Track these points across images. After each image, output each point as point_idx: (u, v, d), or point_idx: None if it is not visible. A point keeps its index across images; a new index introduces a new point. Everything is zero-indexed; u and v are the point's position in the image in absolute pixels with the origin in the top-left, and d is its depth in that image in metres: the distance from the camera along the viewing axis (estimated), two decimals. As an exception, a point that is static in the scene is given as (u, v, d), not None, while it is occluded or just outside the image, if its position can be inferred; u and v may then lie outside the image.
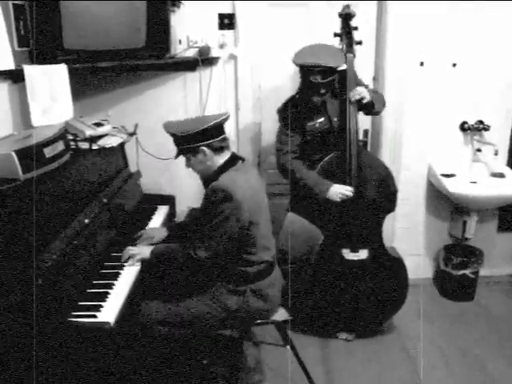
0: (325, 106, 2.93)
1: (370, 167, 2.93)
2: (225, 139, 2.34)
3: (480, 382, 2.78)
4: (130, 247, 2.42)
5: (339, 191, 2.85)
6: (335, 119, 2.93)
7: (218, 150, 2.30)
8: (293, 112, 2.94)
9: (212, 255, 2.23)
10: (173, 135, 2.30)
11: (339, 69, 2.85)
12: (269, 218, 2.45)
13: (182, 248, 2.31)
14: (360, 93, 2.82)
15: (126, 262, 2.34)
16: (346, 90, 2.87)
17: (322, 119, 2.94)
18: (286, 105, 2.99)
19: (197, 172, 2.39)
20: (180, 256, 2.29)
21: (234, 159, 2.35)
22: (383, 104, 3.04)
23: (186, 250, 2.27)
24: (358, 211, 2.91)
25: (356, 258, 2.97)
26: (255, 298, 2.34)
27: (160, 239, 2.59)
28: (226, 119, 2.33)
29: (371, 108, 2.93)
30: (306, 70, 2.80)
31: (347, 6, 2.91)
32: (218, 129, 2.29)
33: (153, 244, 2.52)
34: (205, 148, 2.27)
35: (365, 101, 2.83)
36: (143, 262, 2.36)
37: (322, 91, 2.82)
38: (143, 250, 2.39)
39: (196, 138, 2.25)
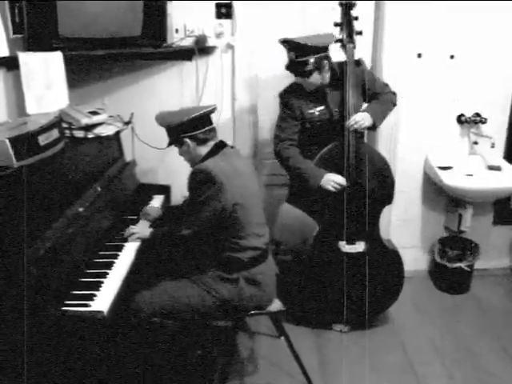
0: (324, 95, 2.91)
1: (369, 159, 2.91)
2: (210, 131, 2.38)
3: (474, 375, 2.78)
4: (132, 226, 2.53)
5: (332, 179, 2.84)
6: (336, 110, 2.92)
7: (202, 141, 2.36)
8: (293, 97, 2.94)
9: (193, 233, 2.28)
10: (161, 126, 2.38)
11: (335, 59, 2.87)
12: (260, 204, 2.48)
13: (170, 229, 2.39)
14: (357, 121, 2.80)
15: (128, 238, 2.45)
16: (344, 81, 2.85)
17: (321, 107, 2.92)
18: (286, 90, 2.99)
19: (186, 161, 2.47)
20: (168, 235, 2.38)
21: (220, 147, 2.39)
22: (393, 105, 3.00)
23: (172, 228, 2.35)
24: (355, 203, 2.90)
25: (353, 251, 2.97)
26: (249, 286, 2.35)
27: (155, 217, 2.73)
28: (211, 111, 2.37)
29: (372, 129, 2.97)
30: (286, 50, 2.81)
31: None
32: (202, 120, 2.34)
33: (149, 221, 2.70)
34: (187, 140, 2.33)
35: (362, 127, 2.83)
36: (143, 241, 2.46)
37: (300, 70, 2.78)
38: (144, 230, 2.49)
39: (179, 130, 2.33)
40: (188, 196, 2.38)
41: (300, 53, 2.75)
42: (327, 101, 2.92)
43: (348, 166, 2.86)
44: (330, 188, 2.83)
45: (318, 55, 2.77)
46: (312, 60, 2.75)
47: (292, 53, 2.77)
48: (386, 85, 3.03)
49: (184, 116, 2.30)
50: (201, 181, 2.23)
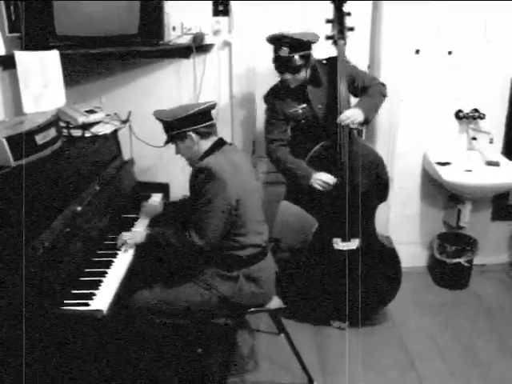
0: (304, 92, 2.90)
1: (362, 156, 2.90)
2: (211, 126, 2.38)
3: (473, 370, 2.79)
4: (124, 233, 2.45)
5: (320, 178, 2.84)
6: (319, 106, 2.90)
7: (205, 135, 2.35)
8: (276, 98, 2.94)
9: (207, 242, 2.23)
10: (162, 121, 2.35)
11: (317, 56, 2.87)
12: (259, 202, 2.47)
13: (176, 232, 2.31)
14: (348, 117, 2.76)
15: (120, 247, 2.38)
16: (337, 77, 2.83)
17: (303, 105, 2.91)
18: (268, 93, 2.99)
19: (186, 158, 2.44)
20: (176, 240, 2.29)
21: (220, 143, 2.39)
22: (383, 96, 2.96)
23: (182, 234, 2.27)
24: (349, 200, 2.88)
25: (345, 248, 2.96)
26: (248, 283, 2.34)
27: (156, 213, 2.76)
28: (212, 106, 2.37)
29: (365, 124, 2.94)
30: (275, 46, 2.79)
31: None
32: (204, 115, 2.34)
33: (151, 217, 2.72)
34: (191, 133, 2.32)
35: (354, 125, 2.80)
36: (137, 246, 2.40)
37: (293, 65, 2.76)
38: (136, 235, 2.43)
39: (183, 124, 2.30)
40: (190, 196, 2.34)
41: (294, 48, 2.74)
42: (309, 98, 2.90)
43: (340, 163, 2.85)
44: (318, 187, 2.83)
45: (308, 51, 2.77)
46: (302, 55, 2.75)
47: (286, 48, 2.75)
48: (374, 78, 3.03)
49: (186, 111, 2.29)
50: (203, 179, 2.20)
